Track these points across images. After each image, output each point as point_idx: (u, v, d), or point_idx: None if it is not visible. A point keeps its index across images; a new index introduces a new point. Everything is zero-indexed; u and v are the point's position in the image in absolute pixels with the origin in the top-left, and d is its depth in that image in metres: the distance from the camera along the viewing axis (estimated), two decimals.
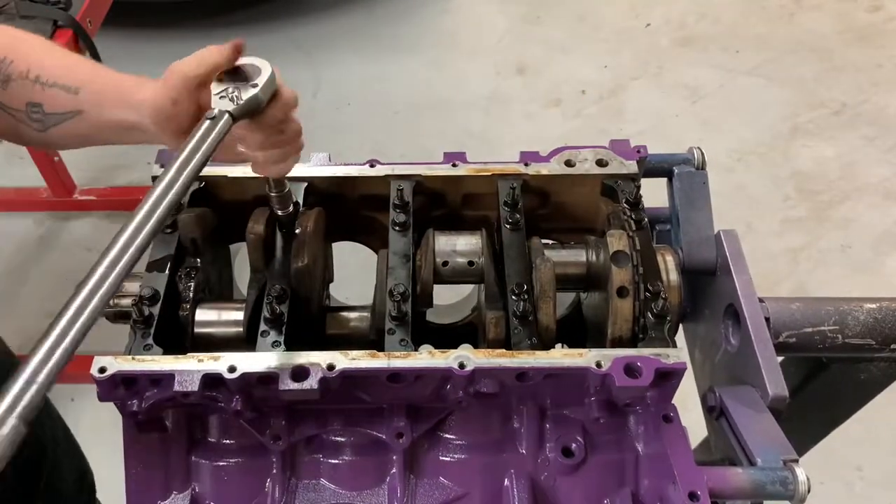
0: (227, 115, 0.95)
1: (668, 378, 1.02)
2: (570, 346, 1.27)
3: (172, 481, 1.11)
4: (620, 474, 1.10)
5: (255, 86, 0.98)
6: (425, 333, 1.23)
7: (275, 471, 1.09)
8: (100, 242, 2.93)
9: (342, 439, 1.10)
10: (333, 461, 1.11)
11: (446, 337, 1.29)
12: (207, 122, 0.94)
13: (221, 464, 1.11)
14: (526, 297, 1.09)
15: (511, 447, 1.11)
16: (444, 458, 1.11)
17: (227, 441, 1.11)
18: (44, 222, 3.00)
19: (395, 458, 1.09)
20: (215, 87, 0.98)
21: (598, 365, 1.01)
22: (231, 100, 0.97)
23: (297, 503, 1.10)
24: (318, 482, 1.11)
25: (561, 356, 1.02)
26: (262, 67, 1.00)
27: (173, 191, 0.86)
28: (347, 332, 1.22)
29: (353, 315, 1.24)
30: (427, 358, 1.02)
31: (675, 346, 1.05)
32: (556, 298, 1.10)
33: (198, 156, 0.90)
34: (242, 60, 1.01)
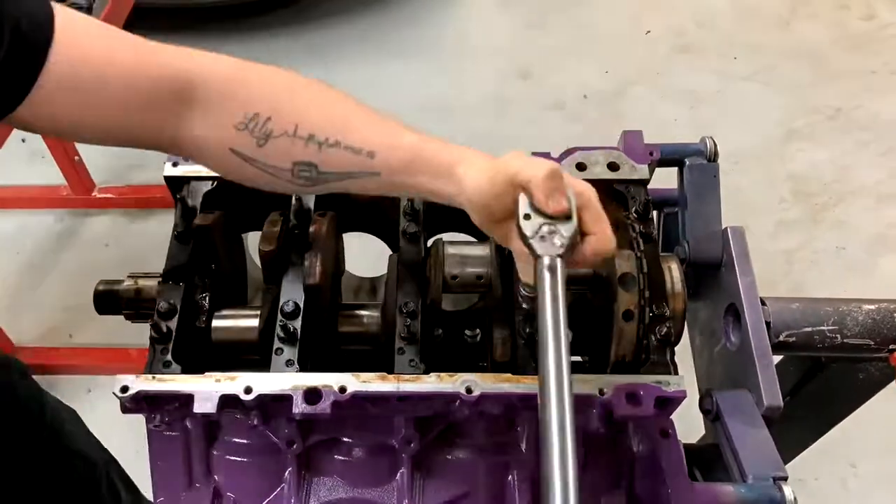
0: (559, 261, 0.87)
1: (667, 404, 1.06)
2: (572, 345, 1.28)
3: (195, 474, 1.15)
4: (616, 483, 1.14)
5: (568, 218, 0.89)
6: (435, 319, 1.21)
7: (290, 468, 1.14)
8: (117, 238, 2.95)
9: (354, 442, 1.15)
10: (346, 460, 1.15)
11: (456, 323, 1.24)
12: (548, 274, 0.87)
13: (240, 459, 1.15)
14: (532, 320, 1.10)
15: (514, 448, 1.14)
16: (450, 459, 1.15)
17: (245, 441, 1.15)
18: (63, 219, 3.04)
19: (404, 457, 1.13)
20: (528, 228, 0.89)
21: (601, 392, 1.04)
22: (552, 242, 0.88)
23: (311, 497, 1.14)
24: (332, 479, 1.16)
25: None
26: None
27: (563, 347, 0.82)
28: (359, 331, 1.25)
29: (364, 313, 1.26)
30: (435, 382, 1.05)
31: (676, 371, 1.08)
32: None
33: (561, 307, 0.85)
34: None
